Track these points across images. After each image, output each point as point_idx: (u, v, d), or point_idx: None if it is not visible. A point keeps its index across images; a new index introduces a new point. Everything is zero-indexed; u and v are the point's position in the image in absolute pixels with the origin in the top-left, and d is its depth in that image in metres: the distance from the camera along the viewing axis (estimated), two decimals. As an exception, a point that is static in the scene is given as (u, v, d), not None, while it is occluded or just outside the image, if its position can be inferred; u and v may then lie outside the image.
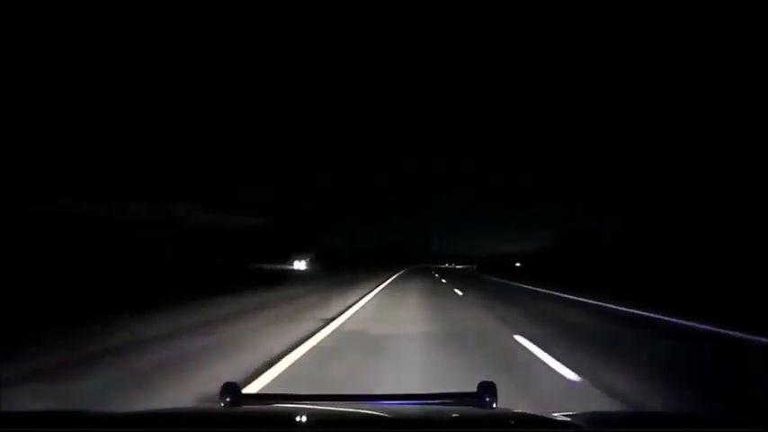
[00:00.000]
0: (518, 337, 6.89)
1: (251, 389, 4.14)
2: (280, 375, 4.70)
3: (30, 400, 3.76)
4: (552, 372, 4.89)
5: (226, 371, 4.74)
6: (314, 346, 6.21)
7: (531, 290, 20.12)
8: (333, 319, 8.90)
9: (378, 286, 20.46)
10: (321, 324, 8.20)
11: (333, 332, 7.47)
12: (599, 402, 3.78)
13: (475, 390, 1.66)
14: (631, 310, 11.14)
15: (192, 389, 4.10)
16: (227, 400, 1.65)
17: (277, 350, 5.85)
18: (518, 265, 73.13)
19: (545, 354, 5.70)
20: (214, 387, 1.92)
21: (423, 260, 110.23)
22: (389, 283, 23.77)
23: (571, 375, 4.72)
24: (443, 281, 28.59)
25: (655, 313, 10.29)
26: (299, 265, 49.15)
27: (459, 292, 17.53)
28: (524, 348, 6.22)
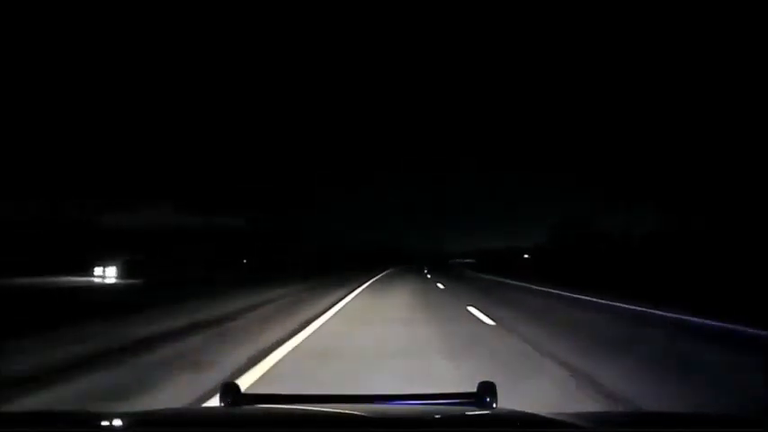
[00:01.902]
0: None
1: None
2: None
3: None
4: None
5: None
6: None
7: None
8: None
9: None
10: None
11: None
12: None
13: (475, 390, 1.66)
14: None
15: None
16: (228, 400, 1.65)
17: None
18: (526, 256, 71.63)
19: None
20: None
21: (422, 258, 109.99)
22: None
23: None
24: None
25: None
26: (106, 273, 31.16)
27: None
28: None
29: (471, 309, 10.73)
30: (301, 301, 12.52)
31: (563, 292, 15.85)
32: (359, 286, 19.83)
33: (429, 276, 31.62)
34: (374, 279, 26.81)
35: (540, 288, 18.63)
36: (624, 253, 36.33)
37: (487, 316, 9.44)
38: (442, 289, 18.89)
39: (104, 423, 1.48)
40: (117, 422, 1.50)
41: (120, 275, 29.85)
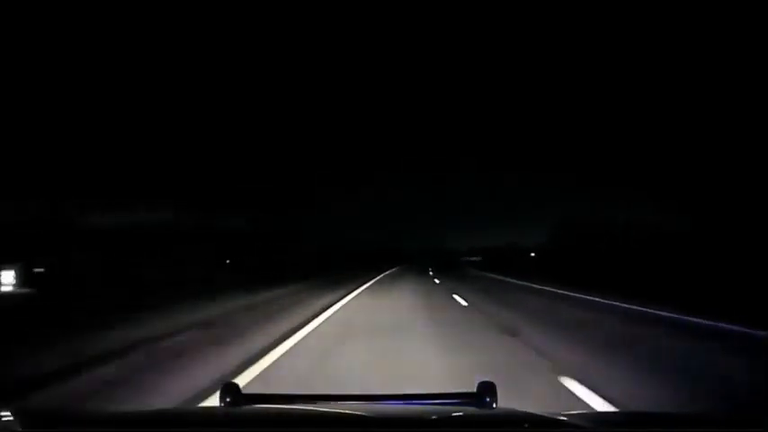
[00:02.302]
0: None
1: None
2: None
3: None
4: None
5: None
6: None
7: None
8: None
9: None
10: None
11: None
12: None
13: (475, 390, 1.66)
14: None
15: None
16: (227, 400, 1.65)
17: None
18: (533, 254, 69.46)
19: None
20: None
21: (423, 257, 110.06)
22: None
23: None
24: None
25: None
26: (1, 280, 23.34)
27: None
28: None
29: (571, 384, 4.54)
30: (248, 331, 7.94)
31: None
32: (356, 288, 18.18)
33: (437, 282, 24.49)
34: (374, 281, 24.91)
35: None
36: (625, 253, 36.27)
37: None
38: (463, 306, 12.38)
39: (104, 423, 1.48)
40: (116, 422, 1.51)
41: (20, 282, 23.41)
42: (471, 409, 1.60)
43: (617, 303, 11.98)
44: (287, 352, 6.13)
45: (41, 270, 24.94)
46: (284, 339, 6.92)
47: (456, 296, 14.62)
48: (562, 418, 1.49)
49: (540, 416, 1.50)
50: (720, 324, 8.28)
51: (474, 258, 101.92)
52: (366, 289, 18.67)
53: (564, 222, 57.60)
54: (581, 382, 4.52)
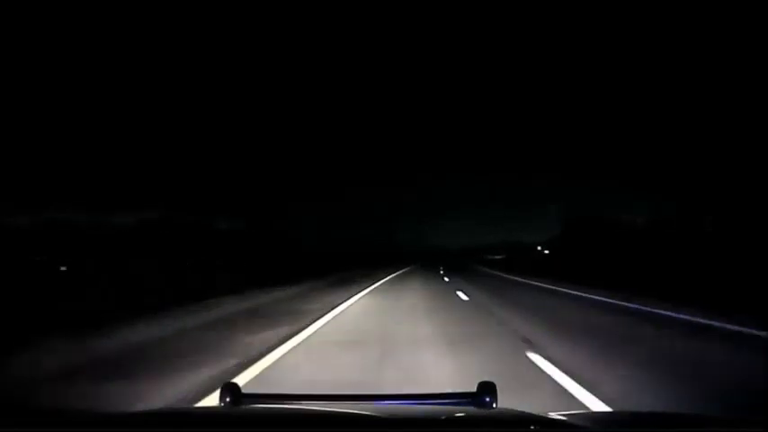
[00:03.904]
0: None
1: None
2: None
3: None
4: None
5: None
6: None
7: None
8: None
9: None
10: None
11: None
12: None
13: (475, 390, 1.66)
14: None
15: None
16: (227, 400, 1.66)
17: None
18: (546, 252, 63.43)
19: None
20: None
21: (424, 256, 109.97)
22: None
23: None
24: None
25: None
26: None
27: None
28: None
29: None
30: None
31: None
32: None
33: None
34: (373, 287, 18.26)
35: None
36: (629, 249, 36.00)
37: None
38: None
39: (105, 423, 1.48)
40: (117, 422, 1.51)
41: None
42: (471, 409, 1.60)
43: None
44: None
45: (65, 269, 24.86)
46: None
47: None
48: (562, 418, 1.49)
49: (540, 416, 1.50)
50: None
51: (497, 257, 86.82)
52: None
53: (565, 221, 57.61)
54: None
